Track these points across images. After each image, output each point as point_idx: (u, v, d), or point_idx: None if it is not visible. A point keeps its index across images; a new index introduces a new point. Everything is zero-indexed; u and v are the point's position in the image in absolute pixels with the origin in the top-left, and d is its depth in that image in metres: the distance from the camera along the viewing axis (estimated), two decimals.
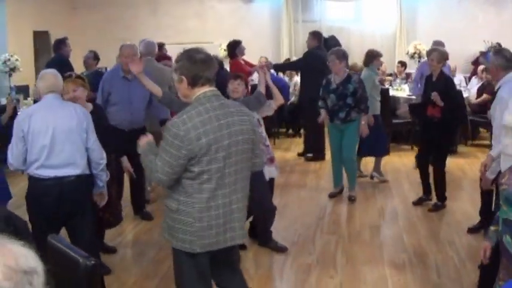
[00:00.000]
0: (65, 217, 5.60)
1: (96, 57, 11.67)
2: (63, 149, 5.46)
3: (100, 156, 5.67)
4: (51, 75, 5.82)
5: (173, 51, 9.79)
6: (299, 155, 12.70)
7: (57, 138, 5.43)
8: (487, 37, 14.94)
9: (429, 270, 6.82)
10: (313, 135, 11.95)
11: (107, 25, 17.51)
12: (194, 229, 4.33)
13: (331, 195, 9.60)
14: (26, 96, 13.22)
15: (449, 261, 7.00)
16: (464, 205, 8.77)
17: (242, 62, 12.44)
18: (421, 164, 9.13)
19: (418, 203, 9.09)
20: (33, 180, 5.58)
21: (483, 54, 14.24)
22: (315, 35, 12.19)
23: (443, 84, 8.56)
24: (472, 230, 7.85)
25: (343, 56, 9.03)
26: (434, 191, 9.00)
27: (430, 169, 8.97)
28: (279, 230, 8.02)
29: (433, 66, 8.60)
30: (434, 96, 8.33)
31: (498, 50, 6.51)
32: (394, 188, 9.83)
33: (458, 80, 14.61)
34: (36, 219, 5.56)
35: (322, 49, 11.68)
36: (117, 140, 6.87)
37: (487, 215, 7.36)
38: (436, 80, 8.60)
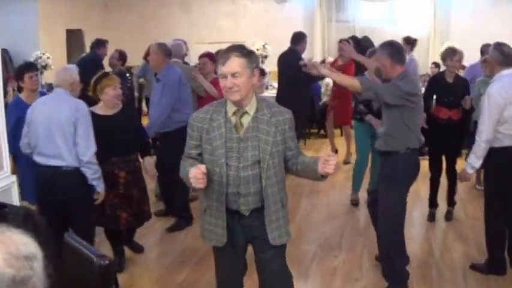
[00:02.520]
0: (60, 207, 5.92)
1: (121, 57, 11.78)
2: (53, 141, 5.79)
3: (83, 152, 5.83)
4: (63, 70, 6.26)
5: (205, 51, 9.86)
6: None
7: (48, 129, 5.80)
8: None
9: (456, 274, 6.78)
10: None
11: (140, 24, 17.69)
12: None
13: (355, 203, 9.43)
14: None
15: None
16: None
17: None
18: (437, 172, 8.76)
19: (432, 218, 8.74)
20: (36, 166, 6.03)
21: None
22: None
23: (463, 85, 8.45)
24: None
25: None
26: (448, 197, 8.85)
27: None
28: (305, 233, 8.10)
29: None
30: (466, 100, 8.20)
31: (497, 44, 6.43)
32: (423, 190, 9.68)
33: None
34: (39, 204, 6.17)
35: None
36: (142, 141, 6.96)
37: None
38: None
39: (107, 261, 3.67)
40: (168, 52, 8.25)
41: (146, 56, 10.78)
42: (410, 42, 12.15)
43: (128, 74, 11.46)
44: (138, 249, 7.39)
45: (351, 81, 6.07)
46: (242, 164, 4.21)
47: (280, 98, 10.62)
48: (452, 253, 7.41)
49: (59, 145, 5.78)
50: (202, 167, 4.00)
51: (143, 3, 18.10)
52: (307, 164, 4.30)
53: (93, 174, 5.94)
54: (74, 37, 16.50)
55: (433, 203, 8.89)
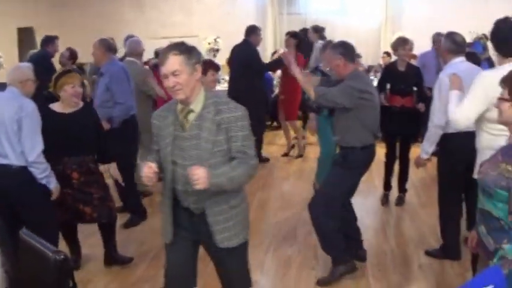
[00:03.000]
0: (8, 206, 5.80)
1: (71, 56, 11.68)
2: None
3: (28, 152, 5.75)
4: (15, 69, 6.18)
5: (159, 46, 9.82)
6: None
7: None
8: (473, 28, 14.90)
9: (412, 260, 6.87)
10: None
11: (92, 21, 17.49)
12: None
13: None
14: None
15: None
16: None
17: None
18: (392, 158, 9.07)
19: (386, 201, 9.08)
20: None
21: (469, 45, 14.13)
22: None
23: (415, 73, 8.80)
24: None
25: None
26: (400, 183, 9.13)
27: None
28: (260, 223, 8.12)
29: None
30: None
31: (449, 33, 6.63)
32: (378, 179, 9.74)
33: None
34: None
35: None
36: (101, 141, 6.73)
37: None
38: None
39: (62, 256, 3.64)
40: (110, 47, 8.29)
41: None
42: (318, 30, 12.41)
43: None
44: (127, 260, 6.98)
45: (307, 88, 6.20)
46: (187, 162, 4.11)
47: (232, 91, 10.66)
48: (407, 240, 7.49)
49: (2, 143, 5.72)
50: (153, 166, 4.03)
51: (95, 0, 17.97)
52: None
53: (40, 173, 5.85)
54: (25, 35, 16.36)
55: (387, 186, 9.16)
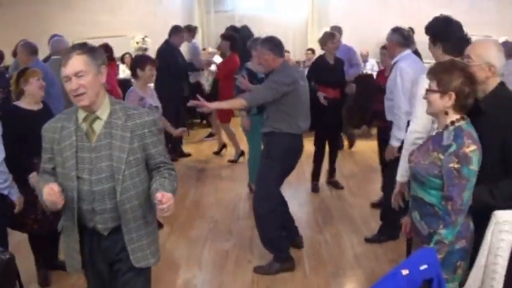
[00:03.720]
0: None
1: None
2: None
3: None
4: None
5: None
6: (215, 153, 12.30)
7: None
8: (400, 22, 15.06)
9: (345, 249, 7.04)
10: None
11: (20, 22, 17.22)
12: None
13: None
14: None
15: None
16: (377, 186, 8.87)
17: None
18: (321, 147, 9.36)
19: (316, 189, 9.37)
20: None
21: None
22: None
23: (342, 66, 9.37)
24: (374, 205, 8.30)
25: None
26: (330, 170, 9.62)
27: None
28: (196, 219, 8.18)
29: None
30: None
31: (396, 28, 6.90)
32: (308, 171, 9.79)
33: (371, 64, 14.80)
34: None
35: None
36: None
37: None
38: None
39: (7, 256, 3.63)
40: (33, 50, 8.37)
41: (15, 54, 10.67)
42: (191, 30, 12.72)
43: (7, 75, 11.25)
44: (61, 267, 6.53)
45: (236, 103, 6.50)
46: (95, 176, 3.73)
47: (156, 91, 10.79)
48: (340, 230, 7.65)
49: None
50: (55, 186, 3.57)
51: (22, 1, 17.71)
52: (152, 193, 3.76)
53: (2, 183, 5.52)
54: None
55: (316, 176, 9.46)
